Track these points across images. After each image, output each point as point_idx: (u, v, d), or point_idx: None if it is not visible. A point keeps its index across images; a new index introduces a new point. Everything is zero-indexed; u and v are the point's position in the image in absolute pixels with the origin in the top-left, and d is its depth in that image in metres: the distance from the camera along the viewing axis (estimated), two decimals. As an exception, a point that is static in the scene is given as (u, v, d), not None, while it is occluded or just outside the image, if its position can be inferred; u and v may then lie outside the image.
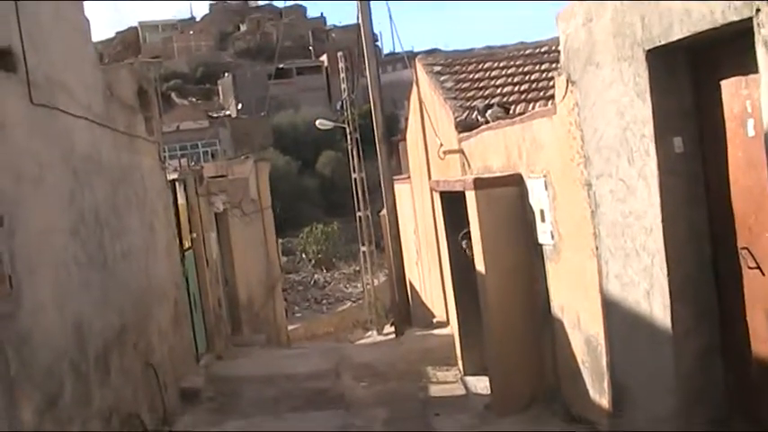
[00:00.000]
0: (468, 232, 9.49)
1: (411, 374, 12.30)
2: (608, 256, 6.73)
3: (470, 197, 8.95)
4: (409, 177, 17.78)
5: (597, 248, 6.91)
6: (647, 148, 5.86)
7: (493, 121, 10.44)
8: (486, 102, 11.63)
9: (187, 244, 13.91)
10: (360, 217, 21.78)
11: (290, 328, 23.72)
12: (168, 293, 11.28)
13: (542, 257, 8.42)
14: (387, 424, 9.77)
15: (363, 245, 22.30)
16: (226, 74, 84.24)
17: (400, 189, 18.55)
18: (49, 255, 6.69)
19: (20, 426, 5.69)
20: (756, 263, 5.30)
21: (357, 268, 30.38)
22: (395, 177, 18.91)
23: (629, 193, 6.21)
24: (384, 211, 19.55)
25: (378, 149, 18.55)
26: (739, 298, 5.60)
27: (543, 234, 8.28)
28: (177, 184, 13.80)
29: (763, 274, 5.25)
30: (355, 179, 21.59)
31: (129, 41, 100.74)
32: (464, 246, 9.89)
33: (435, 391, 11.15)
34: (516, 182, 8.71)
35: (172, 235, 12.26)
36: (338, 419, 10.04)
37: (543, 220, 8.21)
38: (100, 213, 8.19)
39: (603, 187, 6.65)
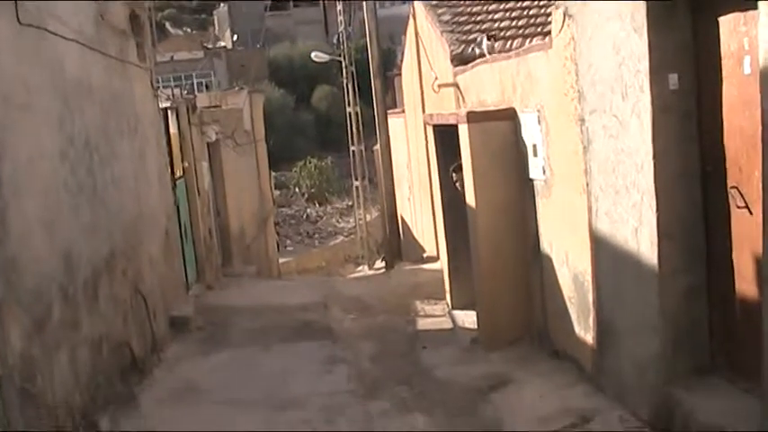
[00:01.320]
0: (460, 166, 9.46)
1: (399, 308, 12.37)
2: (598, 192, 6.72)
3: (463, 130, 8.91)
4: (404, 112, 17.68)
5: (588, 185, 6.90)
6: (641, 84, 5.81)
7: (489, 53, 10.34)
8: (483, 35, 11.51)
9: (179, 173, 13.85)
10: (353, 152, 21.68)
11: (281, 261, 23.78)
12: (159, 222, 11.26)
13: (533, 193, 8.41)
14: (374, 356, 9.84)
15: (356, 180, 22.23)
16: (221, 4, 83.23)
17: (394, 124, 18.46)
18: (37, 180, 6.66)
19: (8, 348, 5.71)
20: (745, 202, 5.30)
21: (350, 203, 30.39)
22: (389, 112, 18.80)
23: (621, 129, 6.18)
24: (378, 147, 19.48)
25: (373, 84, 18.41)
26: (727, 238, 5.61)
27: (535, 169, 8.26)
28: (169, 112, 13.70)
29: (751, 214, 5.25)
30: (350, 113, 21.44)
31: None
32: (455, 179, 9.87)
33: (423, 324, 11.22)
34: (510, 116, 8.67)
35: (163, 163, 12.19)
36: (325, 351, 10.10)
37: (535, 155, 8.18)
38: (90, 139, 8.12)
39: (596, 123, 6.62)
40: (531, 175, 8.39)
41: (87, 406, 7.20)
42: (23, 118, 6.44)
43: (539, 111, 8.00)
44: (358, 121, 20.87)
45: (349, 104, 21.24)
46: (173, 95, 14.07)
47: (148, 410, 7.97)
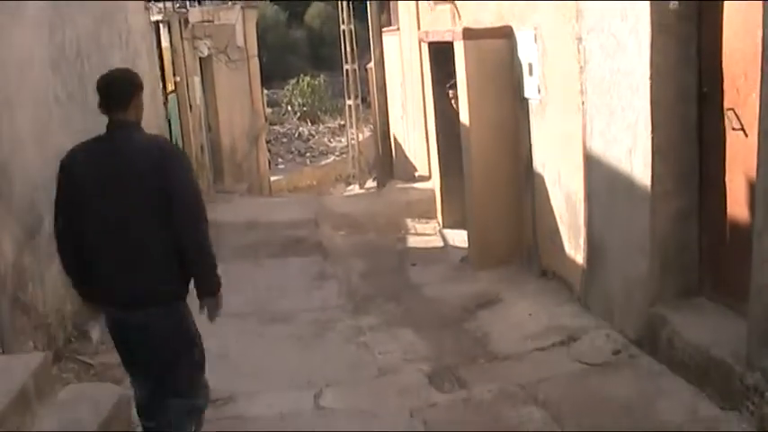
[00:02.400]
0: (455, 84, 9.39)
1: (390, 226, 12.37)
2: (593, 112, 6.69)
3: (459, 48, 8.82)
4: (398, 30, 17.46)
5: (583, 105, 6.86)
6: (641, 4, 5.73)
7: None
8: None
9: (170, 87, 13.73)
10: (347, 70, 21.43)
11: (272, 179, 23.72)
12: (150, 136, 11.18)
13: (527, 113, 8.37)
14: (364, 273, 9.90)
15: (349, 99, 22.04)
16: None
17: (389, 42, 18.24)
18: (28, 89, 6.60)
19: (0, 257, 5.72)
20: (741, 124, 5.28)
21: (342, 123, 30.17)
22: (384, 30, 18.56)
23: (619, 49, 6.12)
24: (371, 65, 19.30)
25: (367, 1, 18.16)
26: (720, 160, 5.60)
27: (530, 88, 8.20)
28: (161, 26, 13.52)
29: (747, 136, 5.23)
30: (343, 31, 21.14)
31: None
32: (451, 96, 9.80)
33: (413, 242, 11.26)
34: (506, 34, 8.58)
35: (155, 77, 12.07)
36: (316, 267, 10.15)
37: (531, 74, 8.12)
38: (81, 50, 8.03)
39: (594, 43, 6.55)
40: (526, 95, 8.33)
41: (78, 315, 7.25)
42: (12, 24, 6.35)
43: (535, 29, 7.91)
44: (352, 39, 20.59)
45: (343, 22, 20.93)
46: (164, 9, 13.83)
47: (139, 322, 8.01)
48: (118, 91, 4.46)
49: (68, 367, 6.54)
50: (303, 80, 37.83)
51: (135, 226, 4.27)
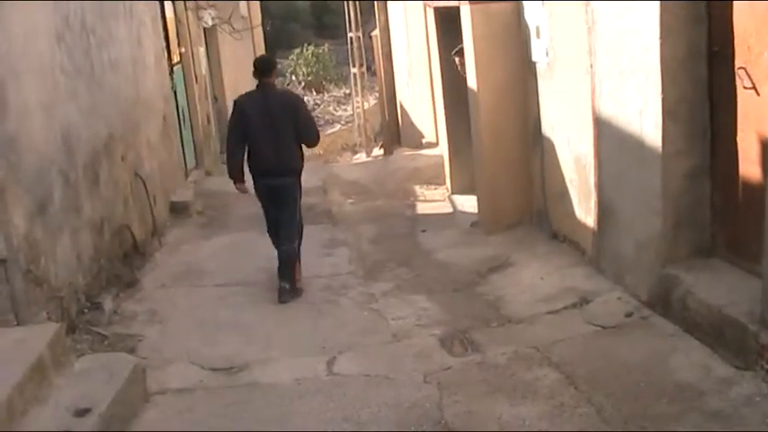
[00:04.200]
0: (462, 49, 9.33)
1: (399, 192, 12.38)
2: (602, 74, 6.65)
3: (465, 12, 8.76)
4: (403, -5, 17.36)
5: (592, 66, 6.81)
6: (650, -39, 5.68)
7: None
8: None
9: (176, 58, 13.68)
10: (351, 38, 21.31)
11: (280, 147, 23.67)
12: (156, 107, 11.17)
13: (535, 76, 8.32)
14: (374, 239, 9.90)
15: (354, 67, 21.93)
16: None
17: (393, 8, 18.14)
18: (33, 60, 6.57)
19: (12, 229, 5.73)
20: (752, 83, 5.24)
21: (347, 91, 30.05)
22: (388, -4, 18.47)
23: (628, 9, 6.07)
24: (376, 32, 19.20)
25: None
26: (732, 119, 5.56)
27: (538, 51, 8.15)
28: (165, -5, 13.45)
29: (759, 95, 5.20)
30: (347, -2, 21.03)
31: None
32: (458, 63, 9.75)
33: (423, 208, 11.26)
34: (513, -3, 8.53)
35: (160, 48, 12.03)
36: (326, 234, 10.16)
37: (538, 36, 8.06)
38: (86, 21, 8.00)
39: (602, 3, 6.49)
40: (534, 58, 8.28)
41: (91, 287, 7.29)
42: (17, -6, 6.31)
43: (542, -9, 7.86)
44: (356, 6, 20.46)
45: (346, -11, 20.81)
46: (167, -22, 13.75)
47: (150, 292, 8.06)
48: (267, 66, 8.05)
49: (82, 338, 6.57)
50: (307, 49, 37.61)
51: (280, 134, 7.75)
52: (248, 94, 8.06)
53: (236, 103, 8.07)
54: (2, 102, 5.77)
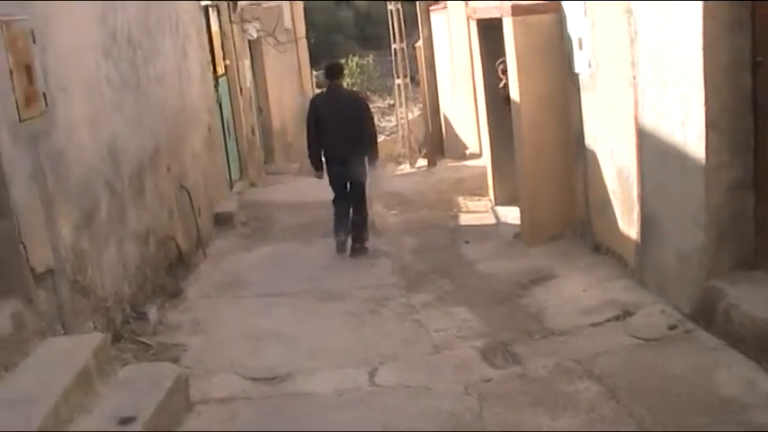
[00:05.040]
0: (504, 61, 9.34)
1: (442, 204, 12.40)
2: (645, 85, 6.61)
3: (507, 24, 8.77)
4: (446, 8, 17.40)
5: (634, 78, 6.78)
6: (692, -29, 5.65)
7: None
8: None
9: (221, 71, 13.83)
10: (395, 49, 21.36)
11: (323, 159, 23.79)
12: (202, 119, 11.30)
13: (578, 87, 8.30)
14: (416, 250, 9.92)
15: (398, 78, 21.97)
16: None
17: (436, 19, 18.19)
18: (81, 74, 6.70)
19: (59, 241, 5.83)
20: (797, 93, 5.19)
21: (391, 102, 30.09)
22: (431, 8, 18.51)
23: (670, 19, 6.03)
24: (420, 44, 19.25)
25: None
26: (776, 130, 5.51)
27: (580, 63, 8.13)
28: (210, 9, 13.61)
29: (803, 105, 5.15)
30: (391, 10, 21.08)
31: None
32: (500, 74, 9.77)
33: (465, 219, 11.26)
34: (555, 9, 8.50)
35: (205, 61, 12.18)
36: (369, 245, 10.17)
37: (581, 48, 8.04)
38: (132, 35, 8.12)
39: (644, 14, 6.46)
40: (576, 69, 8.26)
41: (136, 297, 7.38)
42: (65, 10, 6.44)
43: (585, 3, 7.83)
44: (399, 17, 20.52)
45: (390, 1, 20.88)
46: (213, -8, 13.91)
47: (194, 302, 8.15)
48: (335, 70, 9.91)
49: (127, 347, 6.65)
50: (351, 60, 37.78)
51: (348, 128, 9.35)
52: (320, 94, 10.34)
53: (310, 102, 10.03)
54: (50, 116, 5.88)
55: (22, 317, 5.19)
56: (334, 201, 9.84)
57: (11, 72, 5.34)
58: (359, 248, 9.69)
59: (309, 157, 9.81)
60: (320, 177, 9.84)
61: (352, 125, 9.33)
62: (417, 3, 18.49)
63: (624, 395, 5.20)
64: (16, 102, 5.38)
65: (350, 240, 9.74)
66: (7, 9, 5.42)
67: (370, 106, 10.78)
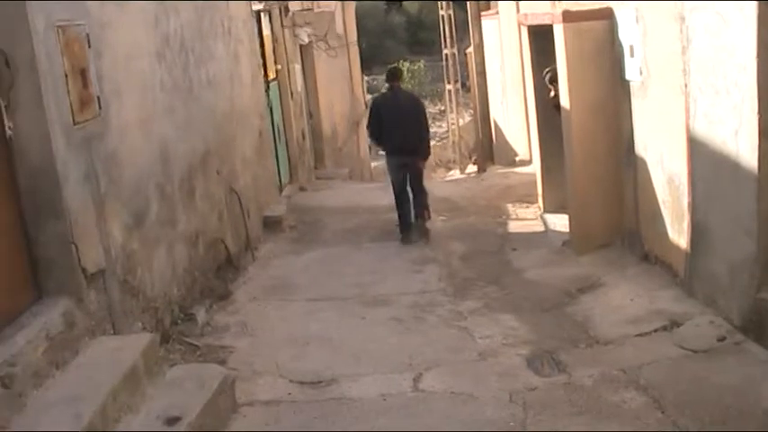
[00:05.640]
0: (551, 71, 9.30)
1: (490, 210, 12.36)
2: (697, 93, 6.55)
3: (558, 30, 8.72)
4: (497, 13, 17.37)
5: (686, 85, 6.71)
6: (746, -22, 5.58)
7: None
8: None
9: (272, 75, 13.92)
10: (446, 55, 21.39)
11: (373, 164, 23.86)
12: (252, 123, 11.39)
13: (629, 94, 8.23)
14: (464, 256, 9.90)
15: (449, 83, 21.99)
16: None
17: (487, 25, 18.17)
18: (134, 78, 6.79)
19: (111, 241, 5.92)
20: None
21: (442, 107, 30.13)
22: (483, 13, 18.50)
23: (724, 26, 5.97)
24: (470, 49, 19.24)
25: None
26: (832, 139, 5.43)
27: (631, 70, 8.06)
28: (262, 14, 13.71)
29: None
30: (442, 16, 21.11)
31: None
32: (549, 85, 9.74)
33: (514, 226, 11.20)
34: (606, 15, 8.45)
35: (256, 65, 12.27)
36: (416, 250, 10.19)
37: (632, 55, 7.98)
38: (185, 39, 8.22)
39: (697, 21, 6.40)
40: (627, 76, 8.20)
41: (185, 299, 7.46)
42: (120, 15, 6.54)
43: (637, 9, 7.78)
44: (451, 23, 20.55)
45: (442, 7, 20.91)
46: (265, -3, 14.02)
47: (242, 305, 8.21)
48: (395, 73, 11.14)
49: (175, 348, 6.73)
50: (402, 65, 37.81)
51: (406, 123, 10.45)
52: (382, 95, 11.59)
53: (373, 101, 11.76)
54: (104, 119, 5.98)
55: (73, 316, 5.28)
56: (394, 190, 10.94)
57: (66, 76, 5.44)
58: (421, 229, 10.79)
59: (373, 141, 11.70)
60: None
61: (409, 121, 10.49)
62: (469, 8, 18.48)
63: (670, 406, 5.15)
64: (71, 105, 5.48)
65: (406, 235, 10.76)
66: (66, 15, 5.52)
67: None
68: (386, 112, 10.63)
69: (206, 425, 4.95)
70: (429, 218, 11.10)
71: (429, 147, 11.08)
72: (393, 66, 12.50)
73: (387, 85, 11.25)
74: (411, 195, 10.89)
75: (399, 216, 10.88)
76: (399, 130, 10.45)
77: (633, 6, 7.82)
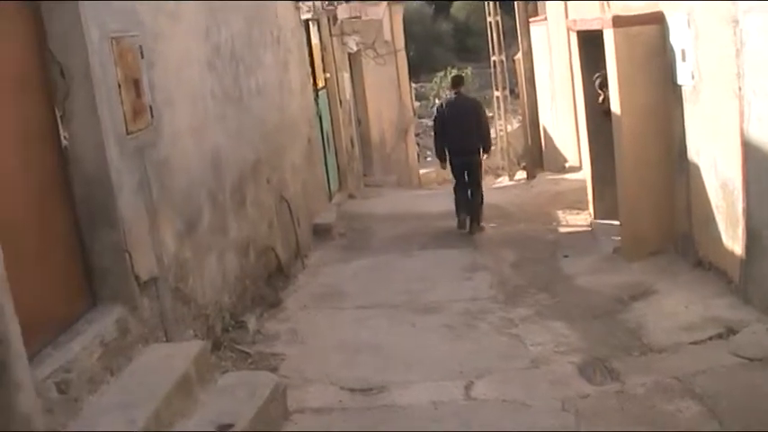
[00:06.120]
0: (601, 76, 9.23)
1: (540, 217, 12.30)
2: (751, 96, 6.45)
3: (608, 36, 8.66)
4: (545, 19, 17.29)
5: (740, 89, 6.62)
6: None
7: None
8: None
9: (320, 83, 14.00)
10: (494, 62, 21.32)
11: (421, 171, 23.84)
12: (302, 131, 11.45)
13: (680, 99, 8.13)
14: (515, 263, 9.85)
15: (497, 90, 21.91)
16: None
17: (536, 31, 18.10)
18: (186, 87, 6.86)
19: (163, 249, 5.98)
20: None
21: (490, 114, 30.02)
22: (531, 20, 18.43)
23: (778, 29, 5.88)
24: (519, 56, 19.17)
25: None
26: None
27: (683, 74, 7.97)
28: (311, 23, 13.80)
29: None
30: (490, 23, 21.04)
31: None
32: (599, 90, 9.67)
33: (564, 233, 11.13)
34: (657, 20, 8.36)
35: (305, 74, 12.35)
36: (466, 258, 10.17)
37: (684, 59, 7.89)
38: (235, 49, 8.29)
39: (751, 24, 6.31)
40: (679, 81, 8.10)
41: (235, 306, 7.51)
42: (172, 26, 6.62)
43: (689, 13, 7.69)
44: (498, 30, 20.48)
45: (489, 14, 20.85)
46: (313, 7, 14.11)
47: (293, 313, 8.24)
48: (458, 81, 12.36)
49: (226, 355, 6.77)
50: (450, 72, 37.71)
51: (466, 125, 11.48)
52: (446, 99, 12.70)
53: (438, 106, 12.67)
54: (156, 128, 6.04)
55: (126, 323, 5.34)
56: (454, 187, 12.01)
57: (119, 86, 5.51)
58: (477, 226, 11.70)
59: (436, 152, 12.31)
60: (444, 168, 12.42)
61: (470, 124, 11.55)
62: (517, 14, 18.42)
63: (727, 416, 5.07)
64: (124, 114, 5.54)
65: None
66: (119, 26, 5.60)
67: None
68: (449, 116, 11.62)
69: (257, 431, 4.96)
70: (483, 227, 11.79)
71: (490, 141, 12.13)
72: (457, 74, 14.35)
73: (450, 91, 12.89)
74: (469, 193, 11.83)
75: (456, 204, 11.86)
76: (461, 132, 11.48)
77: (685, 10, 7.74)
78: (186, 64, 6.92)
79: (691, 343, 6.44)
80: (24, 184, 4.76)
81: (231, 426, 4.79)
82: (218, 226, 7.28)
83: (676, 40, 8.07)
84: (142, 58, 5.90)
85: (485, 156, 12.09)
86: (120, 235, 5.36)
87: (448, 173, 12.76)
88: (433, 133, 12.87)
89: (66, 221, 5.22)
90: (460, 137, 11.53)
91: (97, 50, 5.24)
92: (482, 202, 11.95)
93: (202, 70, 7.32)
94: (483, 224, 11.79)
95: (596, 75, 9.82)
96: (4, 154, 4.52)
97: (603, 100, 9.62)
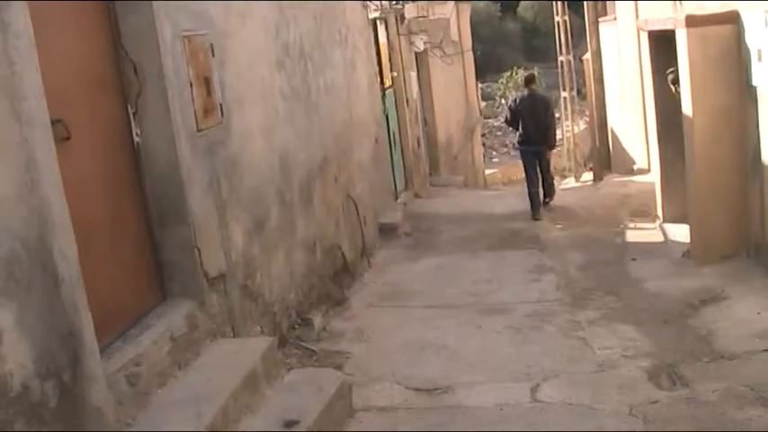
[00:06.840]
0: (676, 72, 9.07)
1: (608, 219, 12.16)
2: (830, 99, 6.30)
3: (681, 35, 8.51)
4: (615, 19, 17.08)
5: (818, 91, 6.46)
6: None
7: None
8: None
9: (388, 83, 14.02)
10: (561, 62, 21.12)
11: (487, 172, 23.76)
12: (369, 130, 11.47)
13: (755, 101, 7.96)
14: (582, 266, 9.75)
15: (564, 91, 21.71)
16: None
17: (605, 31, 17.89)
18: (255, 86, 6.92)
19: (231, 246, 6.04)
20: None
21: (557, 115, 29.78)
22: (600, 20, 18.22)
23: None
24: (587, 56, 18.97)
25: (583, -10, 17.89)
26: None
27: (759, 75, 7.80)
28: (378, 22, 13.82)
29: None
30: (558, 22, 20.84)
31: None
32: (671, 86, 9.51)
33: (632, 236, 10.97)
34: (732, 19, 8.20)
35: (373, 73, 12.37)
36: (533, 259, 10.09)
37: (760, 59, 7.72)
38: (304, 48, 8.34)
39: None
40: (754, 82, 7.93)
41: (302, 304, 7.55)
42: (242, 25, 6.68)
43: (766, 12, 7.53)
44: (566, 29, 20.27)
45: (557, 13, 20.65)
46: (381, 6, 14.13)
47: (358, 311, 8.27)
48: (531, 78, 13.91)
49: (292, 352, 6.81)
50: (517, 73, 37.52)
51: (538, 118, 12.91)
52: (520, 95, 13.63)
53: (512, 101, 13.78)
54: (226, 126, 6.10)
55: (195, 318, 5.40)
56: (526, 174, 13.29)
57: (191, 84, 5.58)
58: (548, 203, 13.37)
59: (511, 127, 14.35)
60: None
61: (541, 118, 12.93)
62: (587, 15, 18.23)
63: (800, 425, 4.96)
64: (195, 112, 5.61)
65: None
66: (191, 25, 5.66)
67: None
68: (522, 111, 13.05)
69: (323, 429, 4.98)
70: (551, 207, 13.39)
71: (555, 136, 13.74)
72: (530, 72, 16.67)
73: (523, 88, 13.95)
74: (540, 179, 13.15)
75: (529, 195, 12.99)
76: (532, 124, 12.89)
77: (763, 9, 7.57)
78: (256, 63, 6.97)
79: (764, 350, 6.30)
80: (98, 180, 4.84)
81: (297, 422, 4.82)
82: (285, 224, 7.33)
83: (752, 39, 7.91)
84: (213, 56, 5.97)
85: (549, 150, 13.38)
86: (190, 231, 5.42)
87: (514, 173, 13.72)
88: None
89: (138, 217, 5.30)
90: (534, 129, 12.89)
91: (170, 49, 5.31)
92: (552, 185, 13.60)
93: (271, 69, 7.37)
94: (552, 204, 13.44)
95: (670, 69, 9.64)
96: (80, 151, 4.59)
97: (676, 92, 9.44)
